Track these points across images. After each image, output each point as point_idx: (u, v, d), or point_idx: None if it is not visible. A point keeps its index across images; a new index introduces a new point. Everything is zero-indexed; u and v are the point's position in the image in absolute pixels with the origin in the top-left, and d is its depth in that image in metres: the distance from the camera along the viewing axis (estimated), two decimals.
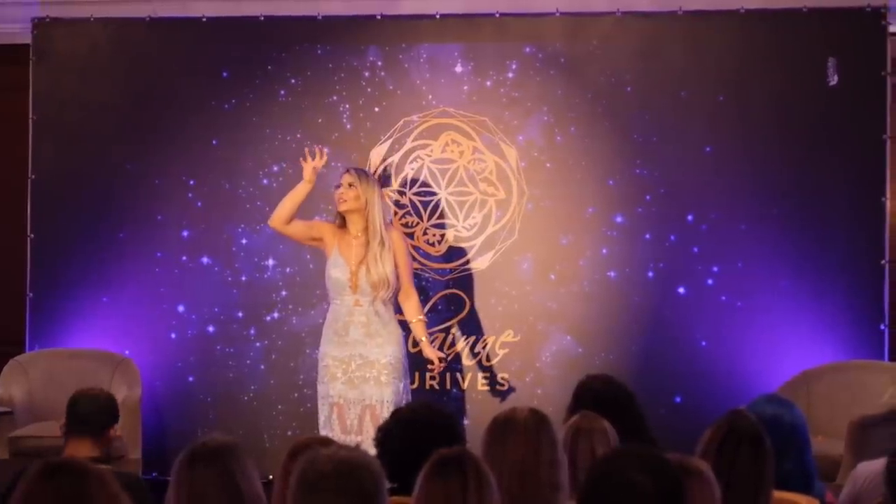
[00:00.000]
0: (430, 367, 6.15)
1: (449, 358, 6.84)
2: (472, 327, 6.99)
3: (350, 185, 6.04)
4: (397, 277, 6.05)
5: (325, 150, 6.29)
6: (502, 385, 6.95)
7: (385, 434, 3.76)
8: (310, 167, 6.13)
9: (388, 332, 6.03)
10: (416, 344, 6.38)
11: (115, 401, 4.36)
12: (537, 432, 3.21)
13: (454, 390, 6.97)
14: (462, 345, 6.95)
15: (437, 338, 6.93)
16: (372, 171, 6.95)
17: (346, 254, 6.04)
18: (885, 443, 5.73)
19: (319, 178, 6.99)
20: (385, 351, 6.00)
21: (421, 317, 6.17)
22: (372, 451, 3.46)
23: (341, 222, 6.13)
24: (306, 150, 6.25)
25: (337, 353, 6.02)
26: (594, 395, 4.09)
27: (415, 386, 6.63)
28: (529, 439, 3.19)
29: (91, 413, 4.21)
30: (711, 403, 6.41)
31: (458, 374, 6.98)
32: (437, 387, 6.88)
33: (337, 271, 6.04)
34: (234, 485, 2.96)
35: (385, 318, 6.04)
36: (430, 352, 6.12)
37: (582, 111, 7.00)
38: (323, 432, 5.92)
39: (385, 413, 5.66)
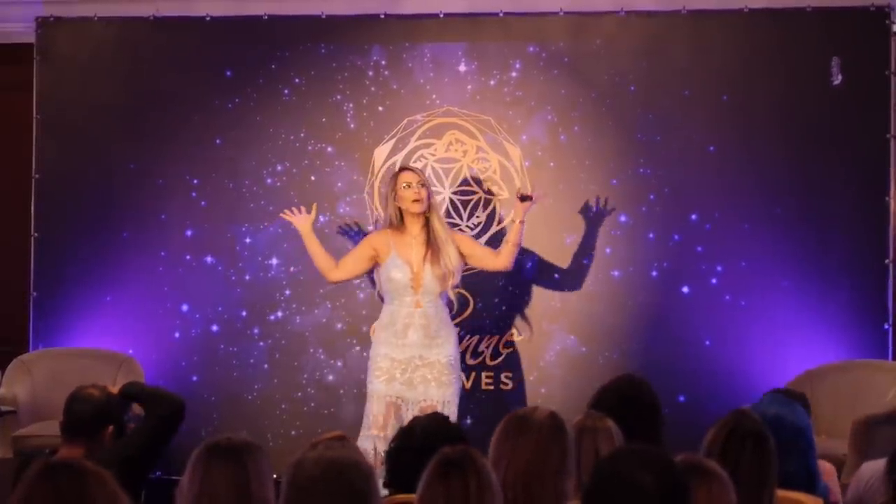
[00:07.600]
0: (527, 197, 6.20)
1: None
2: (476, 326, 6.98)
3: (422, 184, 5.95)
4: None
5: (315, 204, 6.31)
6: (506, 385, 6.94)
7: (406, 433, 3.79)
8: (300, 222, 6.13)
9: (447, 331, 5.99)
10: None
11: (110, 401, 4.31)
12: (550, 438, 3.18)
13: None
14: (465, 344, 6.93)
15: None
16: (375, 170, 6.97)
17: (405, 255, 5.94)
18: (889, 442, 5.73)
19: (323, 176, 7.00)
20: (444, 351, 5.95)
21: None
22: None
23: (398, 223, 6.00)
24: (285, 213, 6.24)
25: (396, 354, 5.93)
26: (618, 397, 4.01)
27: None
28: (541, 442, 3.17)
29: (84, 417, 4.21)
30: (715, 403, 6.41)
31: (462, 374, 6.96)
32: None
33: (397, 272, 5.92)
34: (245, 486, 2.95)
35: (442, 316, 5.99)
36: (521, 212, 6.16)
37: (585, 110, 6.99)
38: (370, 431, 5.89)
39: (447, 412, 5.64)
